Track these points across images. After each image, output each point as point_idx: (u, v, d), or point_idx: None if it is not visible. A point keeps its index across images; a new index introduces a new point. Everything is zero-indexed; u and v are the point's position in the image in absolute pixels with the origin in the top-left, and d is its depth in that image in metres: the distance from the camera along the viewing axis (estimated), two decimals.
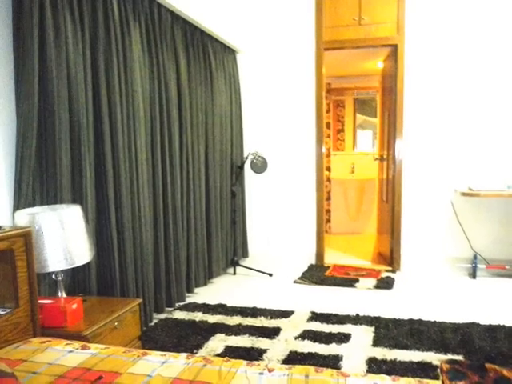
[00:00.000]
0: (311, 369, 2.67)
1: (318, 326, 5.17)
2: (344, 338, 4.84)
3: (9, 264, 3.21)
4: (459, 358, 4.32)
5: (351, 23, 7.33)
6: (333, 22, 7.41)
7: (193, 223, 6.30)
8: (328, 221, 10.88)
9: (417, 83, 7.21)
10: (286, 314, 5.53)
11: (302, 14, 7.54)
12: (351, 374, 2.63)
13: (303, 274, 7.34)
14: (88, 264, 4.17)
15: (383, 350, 4.55)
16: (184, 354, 2.93)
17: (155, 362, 2.79)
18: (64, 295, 3.89)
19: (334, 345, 4.67)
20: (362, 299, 6.15)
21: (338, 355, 4.42)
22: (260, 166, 7.45)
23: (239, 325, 5.24)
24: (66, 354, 2.89)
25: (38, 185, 3.93)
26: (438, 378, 2.43)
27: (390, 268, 7.61)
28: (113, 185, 4.65)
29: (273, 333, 5.00)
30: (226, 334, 4.97)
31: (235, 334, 4.97)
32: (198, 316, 5.51)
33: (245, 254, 8.21)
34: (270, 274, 7.30)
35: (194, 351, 4.55)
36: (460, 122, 7.08)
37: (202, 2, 6.39)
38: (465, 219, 7.16)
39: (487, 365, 2.28)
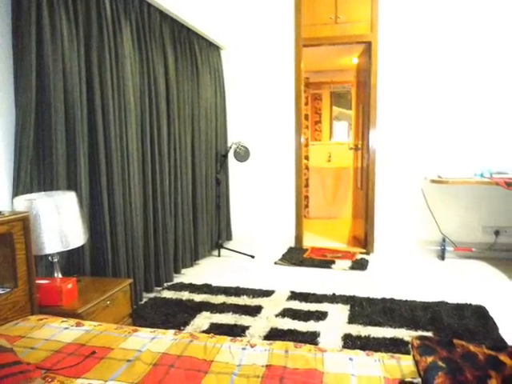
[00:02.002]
0: (291, 344, 2.72)
1: (296, 305, 5.19)
2: (321, 315, 4.87)
3: (8, 247, 3.23)
4: (429, 334, 4.36)
5: (328, 21, 7.33)
6: (311, 21, 7.41)
7: (180, 208, 6.31)
8: (306, 206, 10.89)
9: (389, 78, 7.23)
10: (267, 293, 5.55)
11: (281, 12, 7.53)
12: (328, 350, 2.67)
13: (283, 255, 7.36)
14: (82, 246, 4.18)
15: (358, 326, 4.58)
16: (172, 331, 2.98)
17: (145, 338, 2.83)
18: (60, 276, 3.91)
19: (311, 322, 4.70)
20: (338, 279, 6.18)
21: (315, 332, 4.46)
22: (243, 154, 7.45)
23: (223, 303, 5.26)
24: (61, 331, 2.92)
25: (35, 173, 3.95)
26: (409, 353, 2.46)
27: (364, 250, 7.64)
28: (105, 172, 4.67)
29: (255, 311, 5.03)
30: (211, 312, 4.99)
31: (220, 312, 5.00)
32: (185, 295, 5.53)
33: (228, 237, 8.23)
34: (252, 256, 7.31)
35: (181, 328, 4.57)
36: (430, 114, 7.11)
37: (188, 1, 6.39)
38: (434, 205, 7.20)
39: (455, 341, 2.30)
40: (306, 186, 10.85)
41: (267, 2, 7.63)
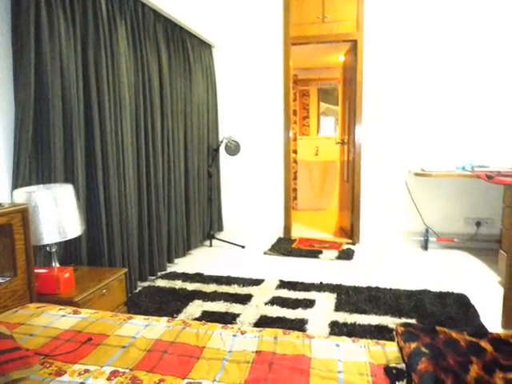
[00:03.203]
0: (280, 331, 2.74)
1: (285, 293, 5.21)
2: (309, 303, 4.89)
3: (8, 237, 3.24)
4: (412, 321, 4.38)
5: (315, 21, 7.34)
6: (299, 20, 7.42)
7: (173, 200, 6.32)
8: (295, 198, 10.91)
9: (374, 75, 7.24)
10: (256, 282, 5.57)
11: (271, 12, 7.53)
12: (315, 336, 2.69)
13: (272, 246, 7.37)
14: (79, 237, 4.18)
15: (344, 314, 4.60)
16: (165, 318, 2.99)
17: (139, 325, 2.84)
18: (57, 265, 3.91)
19: (300, 310, 4.72)
20: (325, 269, 6.20)
21: (303, 319, 4.47)
22: (234, 149, 7.46)
23: (215, 292, 5.27)
24: (59, 318, 2.94)
25: (34, 166, 3.95)
26: (393, 340, 2.48)
27: (350, 241, 7.67)
28: (101, 166, 4.67)
29: (245, 299, 5.05)
30: (203, 300, 5.01)
31: (211, 300, 5.01)
32: (178, 284, 5.54)
33: (220, 228, 8.22)
34: (243, 246, 7.34)
35: (174, 315, 4.58)
36: (413, 110, 7.14)
37: (181, 1, 6.38)
38: (417, 197, 7.22)
39: (438, 328, 2.32)
40: (295, 178, 10.87)
41: (257, 2, 7.63)
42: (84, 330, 2.76)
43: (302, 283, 5.53)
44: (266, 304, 4.90)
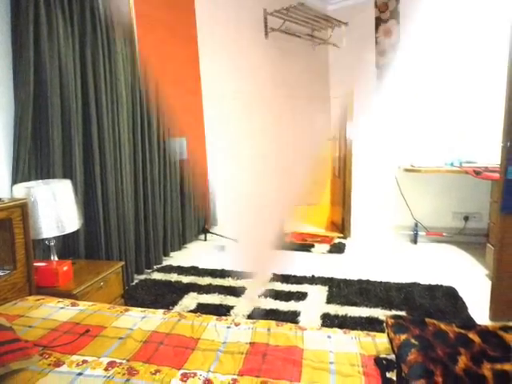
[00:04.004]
0: (273, 323, 2.76)
1: (278, 286, 5.21)
2: (301, 296, 4.89)
3: (8, 231, 3.25)
4: (402, 313, 4.38)
5: None
6: None
7: (169, 195, 6.32)
8: None
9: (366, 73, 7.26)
10: (250, 275, 5.59)
11: None
12: (308, 328, 2.72)
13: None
14: (77, 231, 4.19)
15: (336, 306, 4.60)
16: (161, 310, 3.01)
17: (136, 317, 2.86)
18: (56, 258, 3.93)
19: (292, 302, 4.72)
20: (317, 262, 6.21)
21: (296, 311, 4.48)
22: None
23: (209, 284, 5.27)
24: (57, 310, 2.95)
25: (33, 162, 3.97)
26: (383, 331, 2.49)
27: (341, 235, 7.66)
28: (99, 162, 4.68)
29: (239, 291, 5.06)
30: (198, 293, 5.01)
31: (206, 293, 5.01)
32: (174, 277, 5.54)
33: (214, 223, 8.23)
34: (236, 240, 7.35)
35: (170, 308, 4.59)
36: (403, 107, 7.13)
37: None
38: (407, 192, 7.23)
39: (427, 320, 2.34)
40: None
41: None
42: (82, 321, 2.78)
43: (294, 276, 5.52)
44: (259, 296, 4.90)
